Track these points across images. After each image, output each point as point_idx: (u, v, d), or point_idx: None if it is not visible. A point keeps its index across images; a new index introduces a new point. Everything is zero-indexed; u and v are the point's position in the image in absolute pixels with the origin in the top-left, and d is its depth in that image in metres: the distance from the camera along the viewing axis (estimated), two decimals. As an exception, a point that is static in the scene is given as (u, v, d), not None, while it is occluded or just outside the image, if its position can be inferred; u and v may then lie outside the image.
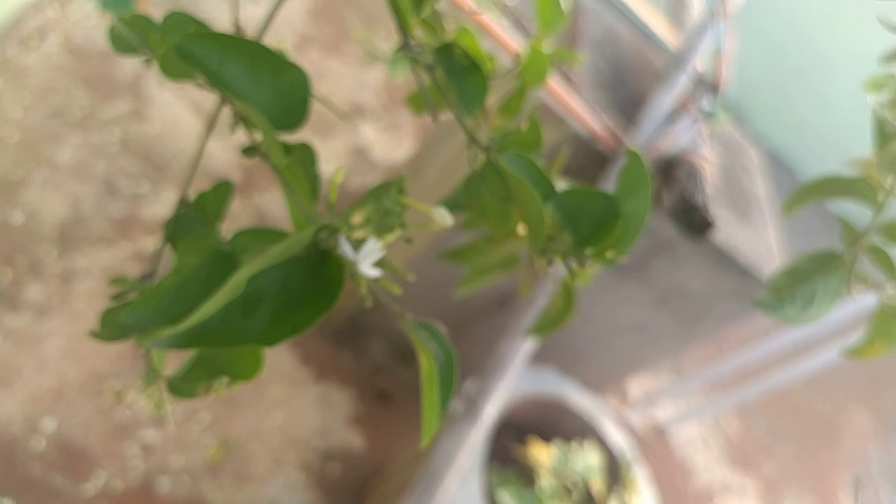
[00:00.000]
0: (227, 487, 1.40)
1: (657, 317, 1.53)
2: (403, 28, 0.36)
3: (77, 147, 1.65)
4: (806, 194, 0.49)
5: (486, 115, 0.51)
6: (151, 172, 1.69)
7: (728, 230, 1.39)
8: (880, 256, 0.45)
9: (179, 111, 1.82)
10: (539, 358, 1.47)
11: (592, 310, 1.53)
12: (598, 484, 1.10)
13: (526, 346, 1.09)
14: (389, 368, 1.71)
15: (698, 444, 2.31)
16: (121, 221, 1.59)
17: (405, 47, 0.35)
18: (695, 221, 1.21)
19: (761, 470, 2.42)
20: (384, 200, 0.30)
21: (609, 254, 0.30)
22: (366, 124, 2.22)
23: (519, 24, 1.01)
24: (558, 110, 1.21)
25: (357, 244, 0.30)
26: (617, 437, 1.43)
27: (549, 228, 0.30)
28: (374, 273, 0.30)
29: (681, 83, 1.35)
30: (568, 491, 1.04)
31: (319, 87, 2.25)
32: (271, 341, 0.28)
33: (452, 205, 0.40)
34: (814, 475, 2.59)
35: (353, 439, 1.61)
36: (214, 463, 1.41)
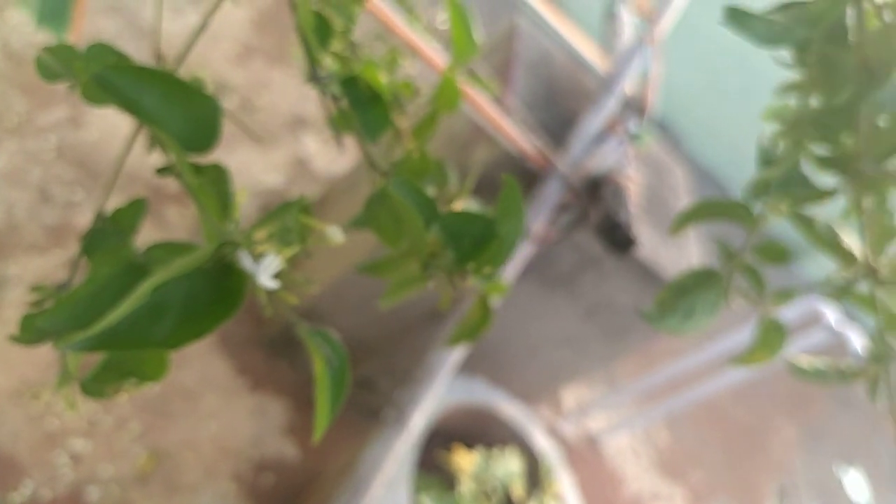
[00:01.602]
0: (156, 497, 1.40)
1: (586, 329, 1.59)
2: (311, 60, 0.39)
3: (12, 153, 1.63)
4: (690, 217, 0.54)
5: (401, 138, 0.55)
6: (86, 180, 1.68)
7: (652, 247, 1.45)
8: (751, 274, 0.50)
9: (116, 119, 1.82)
10: (471, 368, 1.51)
11: (523, 322, 1.58)
12: (518, 489, 1.14)
13: (453, 357, 1.13)
14: (326, 378, 1.73)
15: (629, 454, 2.38)
16: (54, 229, 1.58)
17: (312, 78, 0.39)
18: (618, 238, 1.27)
19: (689, 479, 2.50)
20: (285, 218, 0.34)
21: (486, 270, 0.34)
22: (308, 136, 2.24)
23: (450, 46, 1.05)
24: (490, 130, 1.26)
25: (259, 258, 0.33)
26: (544, 446, 1.48)
27: (433, 246, 0.34)
28: (272, 284, 0.33)
29: (609, 106, 1.41)
30: (487, 496, 1.08)
31: (262, 97, 2.26)
32: (175, 345, 0.31)
33: (360, 223, 0.43)
34: (740, 484, 2.69)
35: (288, 449, 1.62)
36: (144, 473, 1.41)
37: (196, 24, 0.42)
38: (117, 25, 2.01)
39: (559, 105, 1.55)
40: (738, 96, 3.36)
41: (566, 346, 1.62)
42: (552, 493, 1.16)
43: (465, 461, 1.13)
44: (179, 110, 0.34)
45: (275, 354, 1.69)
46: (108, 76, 0.34)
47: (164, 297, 0.32)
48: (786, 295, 0.59)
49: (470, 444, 1.43)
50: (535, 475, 1.43)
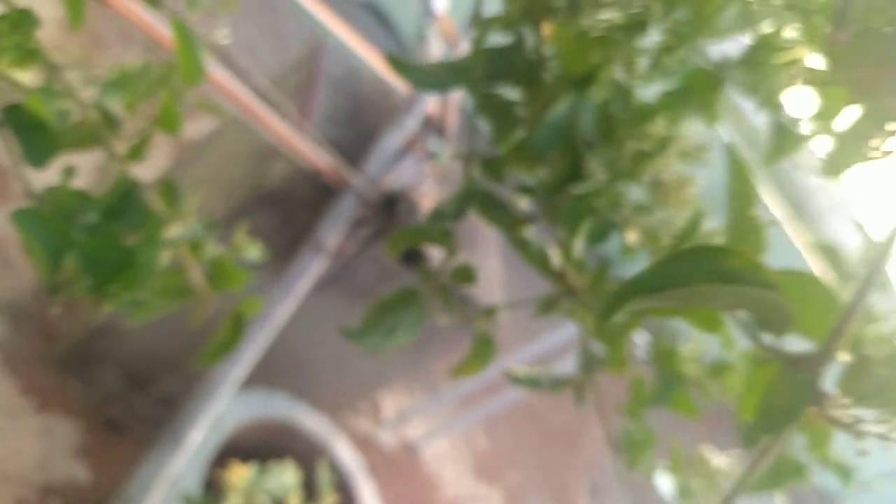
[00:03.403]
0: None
1: (390, 340, 1.63)
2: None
3: None
4: (396, 241, 0.58)
5: (115, 160, 0.55)
6: None
7: (447, 261, 1.51)
8: (443, 293, 0.55)
9: None
10: (273, 382, 1.50)
11: (327, 334, 1.59)
12: (294, 502, 1.15)
13: (236, 373, 1.13)
14: (123, 396, 1.66)
15: (447, 460, 2.45)
16: None
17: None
18: (409, 253, 1.32)
19: (506, 480, 2.61)
20: None
21: (124, 295, 0.35)
22: (116, 141, 2.15)
23: (228, 62, 1.05)
24: (282, 147, 1.27)
25: None
26: (348, 457, 1.50)
27: (70, 272, 0.35)
28: None
29: (409, 125, 1.46)
30: (256, 510, 1.09)
31: (68, 100, 2.14)
32: None
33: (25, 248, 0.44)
34: (554, 482, 2.84)
35: (79, 472, 1.54)
36: None
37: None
38: None
39: (364, 122, 1.58)
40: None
41: (370, 356, 1.65)
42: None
43: (236, 476, 1.13)
44: None
45: (66, 373, 1.61)
46: None
47: None
48: (491, 312, 0.64)
49: (271, 459, 1.43)
50: (342, 487, 1.45)
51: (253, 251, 0.80)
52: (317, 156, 1.30)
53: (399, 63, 0.42)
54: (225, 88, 1.06)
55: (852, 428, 0.26)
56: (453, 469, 2.44)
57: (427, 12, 1.58)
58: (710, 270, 0.27)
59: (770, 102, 0.54)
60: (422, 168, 1.45)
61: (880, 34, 0.22)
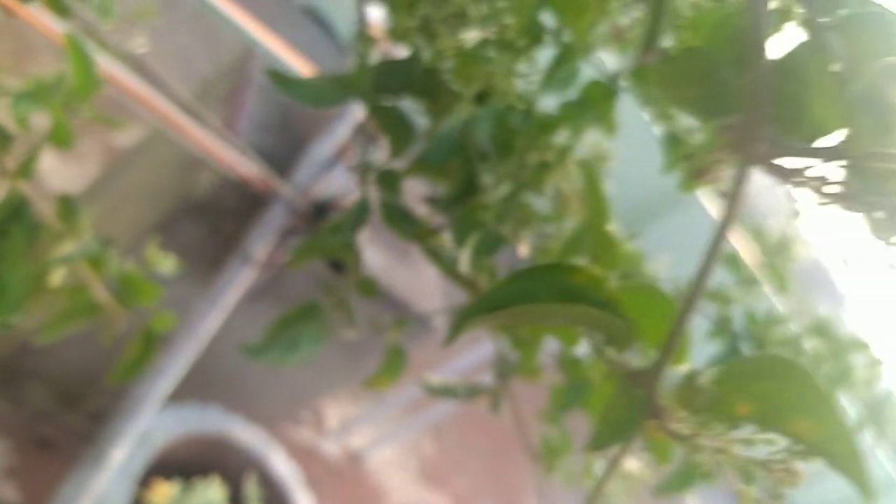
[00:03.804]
0: None
1: (325, 349, 1.61)
2: None
3: None
4: (300, 255, 0.58)
5: (6, 176, 0.53)
6: None
7: (386, 268, 1.51)
8: (344, 307, 0.54)
9: None
10: (206, 396, 1.48)
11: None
12: (220, 519, 1.14)
13: (161, 388, 1.10)
14: (53, 414, 1.62)
15: (393, 467, 2.44)
16: None
17: None
18: (336, 261, 1.31)
19: (454, 486, 2.61)
20: None
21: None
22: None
23: (146, 72, 1.03)
24: (206, 157, 1.25)
25: None
26: (283, 469, 1.48)
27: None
28: None
29: (340, 132, 1.45)
30: (179, 528, 1.07)
31: (-6, 110, 2.07)
32: None
33: None
34: (503, 487, 2.85)
35: (7, 493, 1.49)
36: None
37: None
38: None
39: (294, 129, 1.57)
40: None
41: (307, 367, 1.63)
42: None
43: (159, 495, 1.11)
44: None
45: (-10, 392, 1.56)
46: None
47: None
48: (403, 323, 0.64)
49: (205, 473, 1.40)
50: (278, 501, 1.43)
51: (166, 265, 0.79)
52: (243, 165, 1.28)
53: (279, 78, 0.41)
54: (142, 99, 1.04)
55: (690, 442, 0.26)
56: (399, 477, 2.43)
57: (360, 20, 1.57)
58: (553, 288, 0.27)
59: (663, 114, 0.55)
60: (353, 176, 1.45)
61: (691, 52, 0.23)
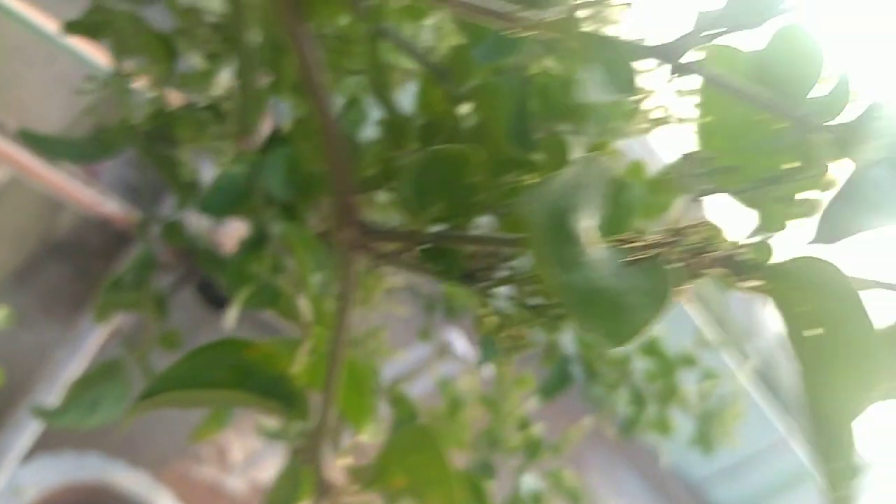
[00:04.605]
0: None
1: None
2: None
3: None
4: (101, 307, 0.56)
5: None
6: None
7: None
8: (143, 365, 0.53)
9: None
10: (85, 443, 1.42)
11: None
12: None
13: (20, 439, 1.05)
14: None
15: (303, 496, 2.39)
16: None
17: None
18: (213, 296, 1.28)
19: (368, 510, 2.58)
20: None
21: None
22: None
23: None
24: (64, 199, 1.21)
25: None
26: (172, 512, 1.43)
27: None
28: None
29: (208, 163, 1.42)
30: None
31: None
32: None
33: None
34: None
35: None
36: None
37: None
38: None
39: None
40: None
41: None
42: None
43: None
44: None
45: None
46: None
47: None
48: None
49: (86, 523, 1.35)
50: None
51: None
52: (104, 204, 1.24)
53: (31, 137, 0.40)
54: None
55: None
56: (310, 505, 2.38)
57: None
58: (226, 365, 0.27)
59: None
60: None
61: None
